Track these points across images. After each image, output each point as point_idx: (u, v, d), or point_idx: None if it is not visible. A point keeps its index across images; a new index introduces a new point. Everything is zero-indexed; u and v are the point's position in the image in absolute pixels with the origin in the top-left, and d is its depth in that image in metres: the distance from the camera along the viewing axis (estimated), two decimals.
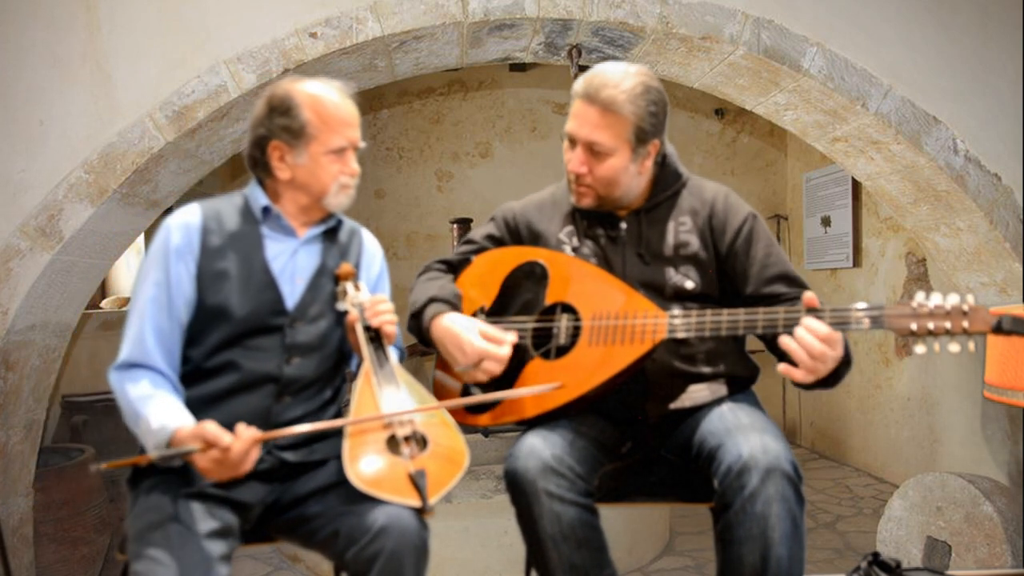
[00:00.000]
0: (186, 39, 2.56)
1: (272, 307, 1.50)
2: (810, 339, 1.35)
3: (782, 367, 1.39)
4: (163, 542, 1.28)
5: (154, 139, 2.54)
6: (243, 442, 1.30)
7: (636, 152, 1.56)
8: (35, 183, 2.50)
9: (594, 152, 1.55)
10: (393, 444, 1.38)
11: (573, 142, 1.58)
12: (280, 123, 1.50)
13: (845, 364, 1.42)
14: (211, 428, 1.30)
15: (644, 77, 1.56)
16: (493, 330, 1.57)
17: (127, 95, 2.54)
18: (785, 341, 1.36)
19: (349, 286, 1.56)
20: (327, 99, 1.51)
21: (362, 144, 1.56)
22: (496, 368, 1.54)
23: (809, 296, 1.40)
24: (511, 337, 1.57)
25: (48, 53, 2.52)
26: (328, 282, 1.57)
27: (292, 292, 1.53)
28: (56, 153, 2.51)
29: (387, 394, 1.44)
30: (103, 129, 2.53)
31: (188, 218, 1.50)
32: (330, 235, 1.61)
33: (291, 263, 1.54)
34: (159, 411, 1.34)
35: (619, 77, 1.54)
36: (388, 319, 1.53)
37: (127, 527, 1.37)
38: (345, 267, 1.58)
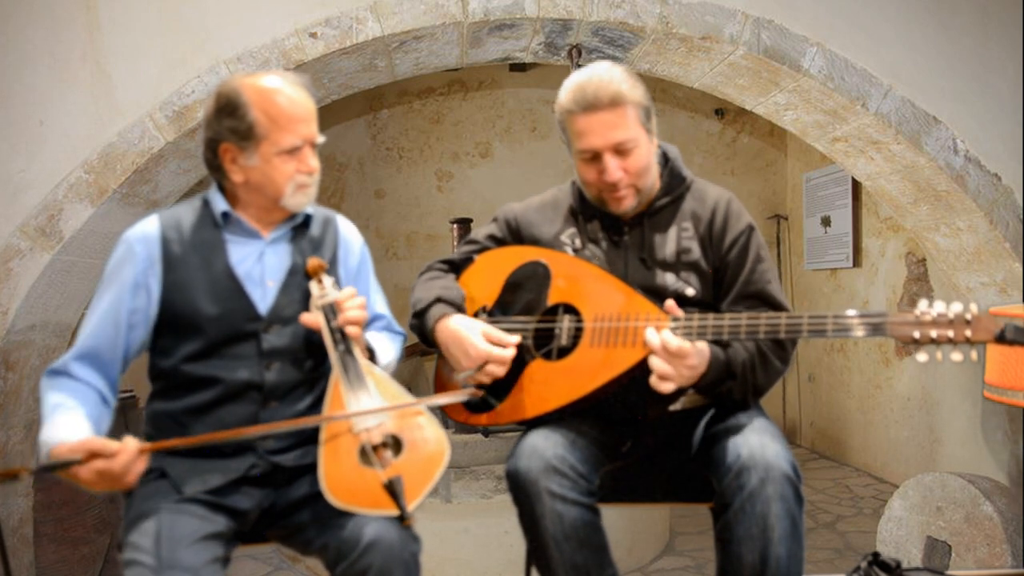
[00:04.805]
0: (186, 39, 2.56)
1: (244, 313, 1.45)
2: (656, 345, 1.41)
3: (652, 379, 1.43)
4: (154, 546, 1.28)
5: (154, 139, 2.54)
6: (128, 452, 1.27)
7: (649, 131, 1.58)
8: (35, 183, 2.51)
9: (622, 151, 1.54)
10: (365, 454, 1.35)
11: (596, 156, 1.55)
12: (228, 124, 1.42)
13: (726, 377, 1.48)
14: (97, 439, 1.28)
15: (618, 66, 1.57)
16: (497, 333, 1.56)
17: (127, 95, 2.54)
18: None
19: (312, 285, 1.48)
20: (276, 95, 1.42)
21: (320, 139, 1.48)
22: (499, 371, 1.54)
23: (669, 304, 1.45)
24: (514, 339, 1.57)
25: (48, 53, 2.52)
26: (303, 281, 1.51)
27: (264, 296, 1.47)
28: (56, 153, 2.51)
29: (357, 400, 1.40)
30: (103, 129, 2.53)
31: (147, 229, 1.46)
32: (300, 230, 1.55)
33: (258, 266, 1.49)
34: (54, 423, 1.32)
35: (605, 75, 1.54)
36: (353, 318, 1.45)
37: (121, 531, 1.37)
38: (311, 262, 1.50)
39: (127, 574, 1.28)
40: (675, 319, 1.48)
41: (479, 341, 1.54)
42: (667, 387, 1.41)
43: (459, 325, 1.58)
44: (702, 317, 1.46)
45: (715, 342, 1.49)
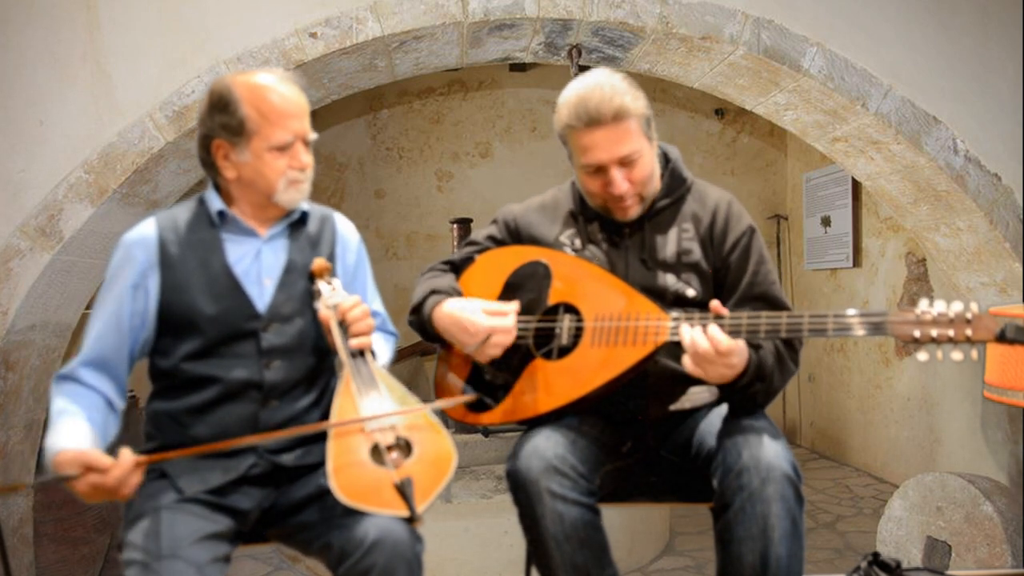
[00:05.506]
0: (186, 39, 2.56)
1: (242, 312, 1.46)
2: (701, 340, 1.39)
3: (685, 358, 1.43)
4: (154, 545, 1.28)
5: (154, 139, 2.54)
6: (122, 467, 1.27)
7: (650, 139, 1.57)
8: (35, 183, 2.51)
9: (627, 163, 1.53)
10: (376, 454, 1.35)
11: (600, 169, 1.54)
12: (219, 120, 1.43)
13: (756, 379, 1.45)
14: (91, 453, 1.28)
15: (617, 74, 1.56)
16: (494, 304, 1.57)
17: (127, 95, 2.54)
18: (682, 331, 1.42)
19: (323, 284, 1.49)
20: (267, 92, 1.43)
21: (312, 135, 1.49)
22: (506, 339, 1.54)
23: (715, 304, 1.43)
24: (513, 306, 1.57)
25: (48, 53, 2.52)
26: (300, 279, 1.51)
27: (262, 294, 1.48)
28: (56, 153, 2.51)
29: (368, 400, 1.40)
30: (103, 129, 2.53)
31: (144, 232, 1.47)
32: (297, 228, 1.55)
33: (256, 264, 1.49)
34: (57, 430, 1.33)
35: (607, 88, 1.51)
36: (363, 328, 1.46)
37: (121, 531, 1.37)
38: (318, 263, 1.51)
39: (127, 574, 1.28)
40: (675, 318, 1.48)
41: (478, 316, 1.54)
42: (696, 371, 1.41)
43: (455, 306, 1.58)
44: (703, 316, 1.45)
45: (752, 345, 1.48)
